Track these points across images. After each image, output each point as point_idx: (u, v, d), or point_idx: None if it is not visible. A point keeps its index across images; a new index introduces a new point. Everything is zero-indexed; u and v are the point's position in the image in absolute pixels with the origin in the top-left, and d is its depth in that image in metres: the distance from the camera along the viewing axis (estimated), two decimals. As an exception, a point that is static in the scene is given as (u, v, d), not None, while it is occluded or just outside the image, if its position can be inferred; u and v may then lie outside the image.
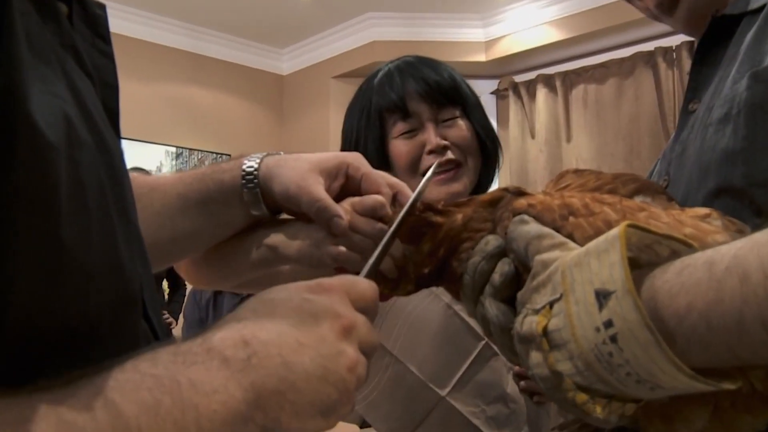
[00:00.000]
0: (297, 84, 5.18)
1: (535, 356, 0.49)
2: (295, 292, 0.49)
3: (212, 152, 4.92)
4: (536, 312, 0.50)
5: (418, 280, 0.65)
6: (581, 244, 0.50)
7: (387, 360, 1.18)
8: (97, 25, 0.57)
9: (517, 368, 1.21)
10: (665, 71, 4.02)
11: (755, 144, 0.59)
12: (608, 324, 0.43)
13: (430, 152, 1.22)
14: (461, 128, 1.25)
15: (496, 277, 0.56)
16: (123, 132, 0.55)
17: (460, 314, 1.18)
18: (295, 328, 0.45)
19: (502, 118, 4.71)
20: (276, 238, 0.76)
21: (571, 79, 4.45)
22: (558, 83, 4.46)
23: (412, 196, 0.66)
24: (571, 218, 0.53)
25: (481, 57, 4.58)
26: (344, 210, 0.70)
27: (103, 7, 0.57)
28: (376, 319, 0.53)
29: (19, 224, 0.36)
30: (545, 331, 0.48)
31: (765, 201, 0.59)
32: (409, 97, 1.22)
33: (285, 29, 4.80)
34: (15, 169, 0.35)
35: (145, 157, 4.52)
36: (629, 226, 0.45)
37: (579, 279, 0.46)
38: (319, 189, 0.70)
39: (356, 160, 0.75)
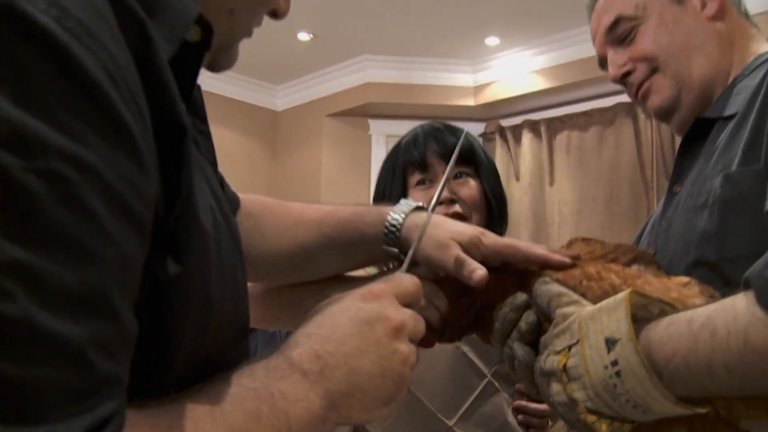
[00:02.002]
0: (291, 120, 5.20)
1: (556, 387, 0.64)
2: (350, 302, 0.57)
3: (205, 183, 4.97)
4: (557, 353, 0.65)
5: (461, 330, 0.80)
6: (591, 302, 0.66)
7: None
8: (196, 107, 0.66)
9: (515, 403, 1.36)
10: (644, 121, 4.13)
11: (726, 228, 0.75)
12: (614, 363, 0.59)
13: (440, 203, 1.39)
14: (470, 187, 1.42)
15: (523, 324, 0.71)
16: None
17: (467, 355, 1.33)
18: (355, 337, 0.54)
19: (489, 161, 4.82)
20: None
21: (555, 126, 4.55)
22: (543, 129, 4.55)
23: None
24: (584, 282, 0.69)
25: (470, 101, 4.66)
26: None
27: (199, 88, 0.65)
28: None
29: (191, 295, 0.47)
30: (564, 368, 0.64)
31: (733, 274, 0.73)
32: (428, 155, 1.40)
33: (282, 67, 4.81)
34: (190, 257, 0.46)
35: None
36: (632, 292, 0.61)
37: (592, 329, 0.62)
38: (458, 251, 0.76)
39: (485, 234, 0.79)
